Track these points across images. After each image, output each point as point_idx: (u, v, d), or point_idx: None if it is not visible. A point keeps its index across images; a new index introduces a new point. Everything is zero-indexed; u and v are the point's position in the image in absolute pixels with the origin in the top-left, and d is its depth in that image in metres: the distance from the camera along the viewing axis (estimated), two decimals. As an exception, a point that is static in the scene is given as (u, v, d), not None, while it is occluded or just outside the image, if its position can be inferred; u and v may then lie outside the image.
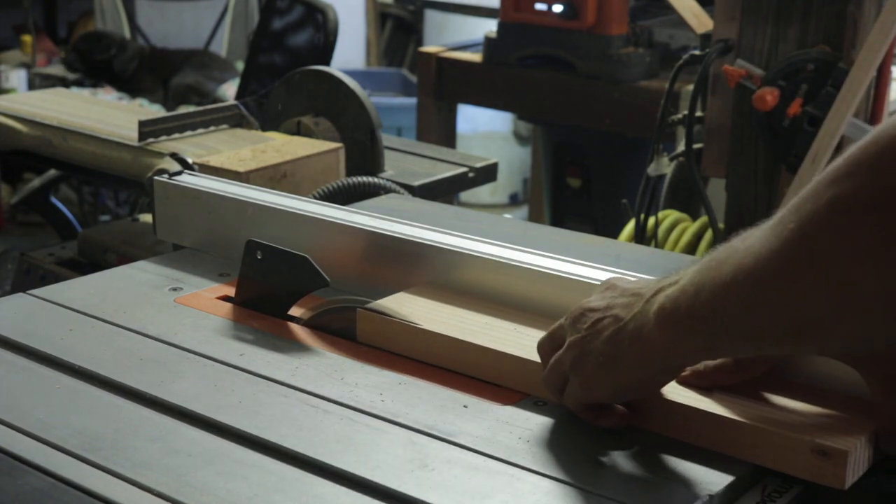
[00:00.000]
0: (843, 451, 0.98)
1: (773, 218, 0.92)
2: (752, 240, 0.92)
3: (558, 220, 3.59)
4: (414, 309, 1.29)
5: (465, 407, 1.13)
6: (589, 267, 1.29)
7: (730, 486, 1.00)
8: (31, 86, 4.93)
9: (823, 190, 0.86)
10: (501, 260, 1.33)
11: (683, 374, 1.09)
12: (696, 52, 2.37)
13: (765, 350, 1.02)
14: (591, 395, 1.05)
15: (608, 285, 1.10)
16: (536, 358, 1.14)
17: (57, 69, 5.05)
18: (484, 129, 5.33)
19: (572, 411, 1.08)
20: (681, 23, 2.86)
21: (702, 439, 1.05)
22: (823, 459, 0.98)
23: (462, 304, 1.31)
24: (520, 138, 5.39)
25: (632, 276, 1.18)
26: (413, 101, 3.74)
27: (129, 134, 2.05)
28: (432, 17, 5.86)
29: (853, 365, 1.03)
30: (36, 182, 2.66)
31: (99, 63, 4.83)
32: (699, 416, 1.05)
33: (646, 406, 1.08)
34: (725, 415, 1.04)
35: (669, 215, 2.51)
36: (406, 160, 2.33)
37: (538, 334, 1.14)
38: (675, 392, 1.08)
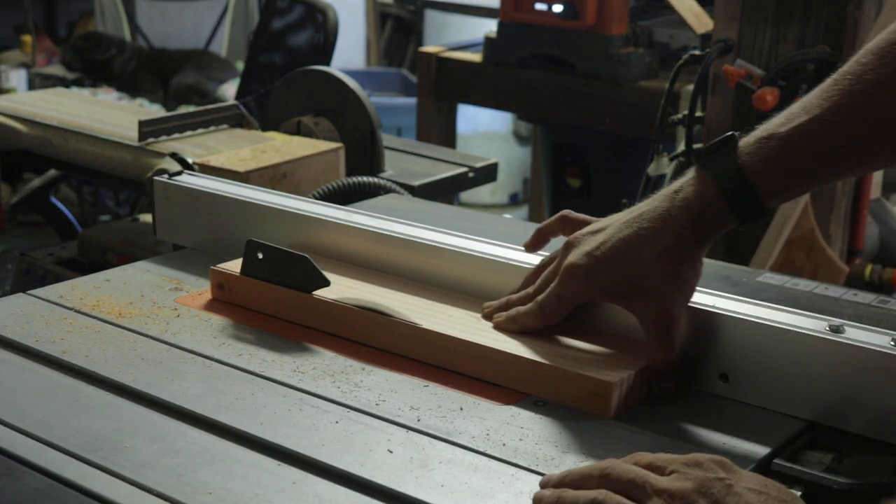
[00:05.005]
0: (609, 383, 1.10)
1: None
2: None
3: (558, 221, 3.58)
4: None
5: (465, 408, 1.13)
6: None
7: (730, 487, 1.00)
8: (31, 86, 4.93)
9: None
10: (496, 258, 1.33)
11: (497, 318, 1.22)
12: (696, 52, 2.37)
13: None
14: None
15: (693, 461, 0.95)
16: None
17: (57, 69, 5.05)
18: (484, 129, 5.33)
19: None
20: (681, 23, 2.86)
21: (491, 376, 1.17)
22: (593, 394, 1.11)
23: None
24: (520, 138, 5.39)
25: None
26: (413, 101, 3.74)
27: (129, 134, 2.05)
28: (432, 17, 5.87)
29: (629, 309, 1.15)
30: (36, 182, 2.66)
31: (97, 63, 4.83)
32: (493, 354, 1.17)
33: (460, 349, 1.19)
34: (514, 353, 1.16)
35: (669, 215, 2.51)
36: (406, 160, 2.33)
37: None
38: (480, 334, 1.20)
